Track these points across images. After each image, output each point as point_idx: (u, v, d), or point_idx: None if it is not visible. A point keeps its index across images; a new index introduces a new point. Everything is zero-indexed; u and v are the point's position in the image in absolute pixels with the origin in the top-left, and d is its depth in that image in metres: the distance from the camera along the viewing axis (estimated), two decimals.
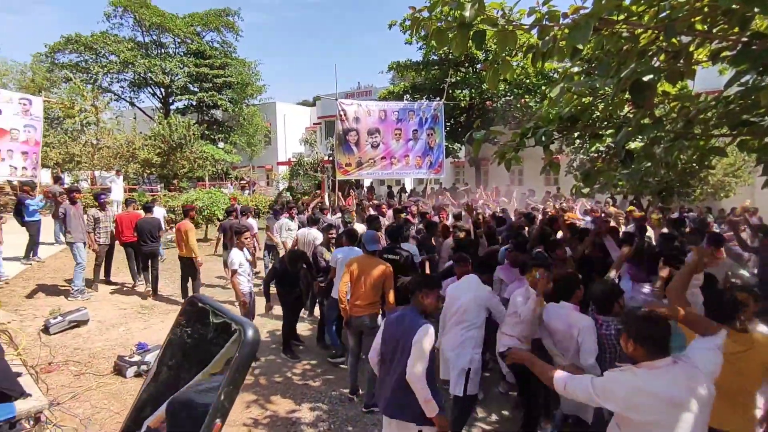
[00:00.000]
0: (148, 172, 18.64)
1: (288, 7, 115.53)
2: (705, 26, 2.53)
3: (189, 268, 7.11)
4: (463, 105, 17.26)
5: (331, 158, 15.65)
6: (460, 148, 19.66)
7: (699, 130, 2.95)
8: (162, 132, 16.97)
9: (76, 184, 14.42)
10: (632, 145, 3.15)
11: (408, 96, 18.86)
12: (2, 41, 69.42)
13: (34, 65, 25.86)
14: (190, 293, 6.81)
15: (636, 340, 1.92)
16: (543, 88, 15.19)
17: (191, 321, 0.98)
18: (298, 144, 23.98)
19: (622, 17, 2.46)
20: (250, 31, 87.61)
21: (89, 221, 7.28)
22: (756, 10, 1.52)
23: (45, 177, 15.20)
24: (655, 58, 2.56)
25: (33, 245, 8.50)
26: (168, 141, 16.90)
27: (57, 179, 12.42)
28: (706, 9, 1.88)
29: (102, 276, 7.86)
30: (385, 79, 34.13)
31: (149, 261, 7.66)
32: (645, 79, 1.93)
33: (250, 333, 0.79)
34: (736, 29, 1.92)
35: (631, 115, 3.13)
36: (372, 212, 8.03)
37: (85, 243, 7.19)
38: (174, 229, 8.65)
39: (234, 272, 5.13)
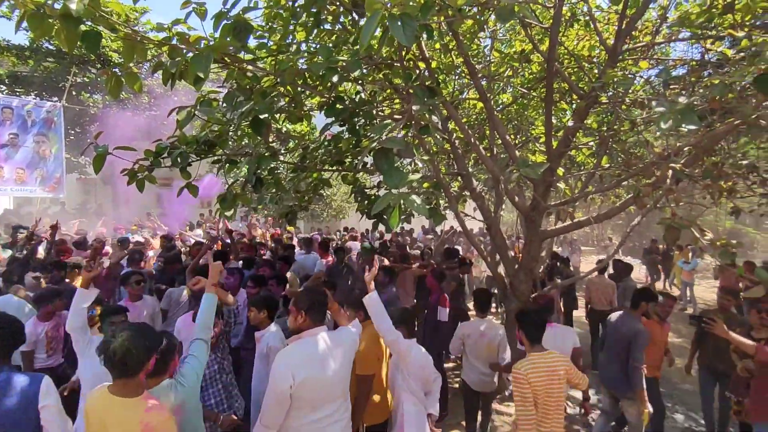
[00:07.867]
0: None
1: None
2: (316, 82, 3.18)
3: None
4: (93, 112, 14.46)
5: None
6: (90, 162, 16.24)
7: (311, 164, 3.67)
8: None
9: None
10: (264, 173, 3.54)
11: (4, 87, 13.98)
12: None
13: None
14: None
15: (303, 310, 2.20)
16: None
17: None
18: None
19: (248, 58, 2.73)
20: None
21: None
22: (335, 78, 2.05)
23: None
24: (280, 100, 3.00)
25: None
26: None
27: None
28: (307, 71, 2.36)
29: None
30: None
31: None
32: (261, 117, 2.21)
33: None
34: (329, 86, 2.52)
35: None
36: None
37: None
38: None
39: None
